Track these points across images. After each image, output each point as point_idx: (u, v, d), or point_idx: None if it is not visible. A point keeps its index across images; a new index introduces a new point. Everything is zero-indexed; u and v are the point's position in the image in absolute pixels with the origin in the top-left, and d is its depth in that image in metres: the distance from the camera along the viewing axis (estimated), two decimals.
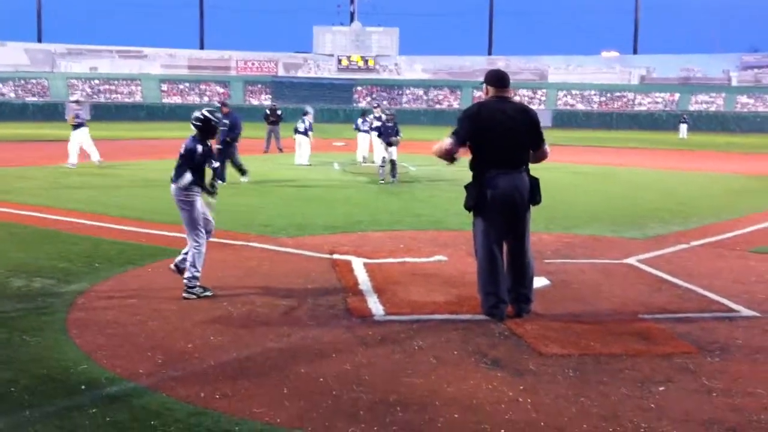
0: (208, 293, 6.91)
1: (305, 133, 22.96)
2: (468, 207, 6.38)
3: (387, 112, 19.21)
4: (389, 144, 17.60)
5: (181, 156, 7.08)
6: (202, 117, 7.16)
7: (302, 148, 23.17)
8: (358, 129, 24.22)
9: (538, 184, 6.32)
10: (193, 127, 7.19)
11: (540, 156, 6.46)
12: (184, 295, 6.86)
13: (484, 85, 6.34)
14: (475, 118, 6.24)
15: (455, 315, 6.35)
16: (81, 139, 20.50)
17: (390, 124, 17.92)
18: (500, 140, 6.13)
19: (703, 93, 77.08)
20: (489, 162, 6.17)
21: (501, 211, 6.18)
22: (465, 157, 6.35)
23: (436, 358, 5.27)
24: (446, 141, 6.25)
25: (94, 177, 17.83)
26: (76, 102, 22.89)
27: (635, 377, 4.91)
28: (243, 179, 17.03)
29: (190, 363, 5.10)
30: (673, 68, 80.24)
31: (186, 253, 7.14)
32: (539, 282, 7.47)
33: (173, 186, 7.06)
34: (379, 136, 18.67)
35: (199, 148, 7.05)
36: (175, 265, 7.19)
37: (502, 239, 6.28)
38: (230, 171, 16.96)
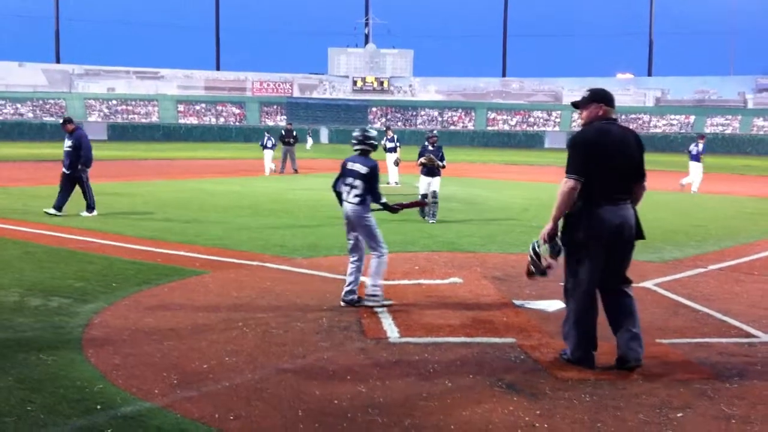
0: (387, 302, 7.23)
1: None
2: (571, 241, 5.52)
3: (431, 134, 15.61)
4: (431, 173, 14.79)
5: (364, 176, 7.34)
6: (361, 136, 7.59)
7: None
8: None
9: (638, 217, 5.68)
10: (358, 147, 7.54)
11: (639, 193, 5.74)
12: (367, 303, 7.17)
13: (593, 104, 5.61)
14: (593, 144, 5.49)
15: (470, 338, 6.32)
16: None
17: (432, 149, 14.90)
18: (615, 168, 5.46)
19: (718, 115, 76.92)
20: (599, 192, 5.43)
21: (608, 248, 5.49)
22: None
23: (450, 381, 5.25)
24: (567, 184, 5.42)
25: (110, 197, 17.94)
26: None
27: (653, 402, 4.87)
28: (84, 213, 14.28)
29: (204, 383, 5.09)
30: (688, 90, 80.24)
31: (350, 285, 7.30)
32: (555, 305, 7.45)
33: (355, 207, 7.32)
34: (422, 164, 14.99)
35: (377, 165, 7.48)
36: (345, 302, 7.27)
37: (606, 278, 5.60)
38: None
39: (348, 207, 7.38)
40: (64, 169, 14.52)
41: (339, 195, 7.59)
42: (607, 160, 5.43)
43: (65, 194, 14.35)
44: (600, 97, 5.63)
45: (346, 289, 7.36)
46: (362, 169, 7.36)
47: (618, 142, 5.52)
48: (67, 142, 14.57)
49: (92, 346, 5.90)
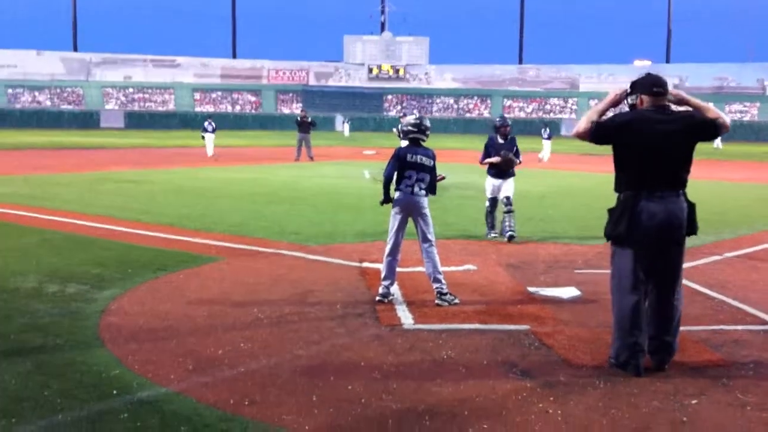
0: (457, 301, 7.01)
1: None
2: (611, 236, 5.26)
3: (502, 121, 11.35)
4: (502, 175, 11.11)
5: (429, 168, 7.23)
6: (423, 125, 7.38)
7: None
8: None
9: (695, 210, 5.28)
10: (414, 136, 7.32)
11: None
12: (437, 302, 6.96)
13: (637, 96, 5.28)
14: (624, 129, 5.18)
15: (485, 325, 6.32)
16: None
17: (503, 142, 11.11)
18: (655, 157, 5.08)
19: (737, 102, 76.19)
20: (640, 183, 5.11)
21: (651, 244, 5.14)
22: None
23: (465, 367, 5.25)
24: (583, 122, 5.28)
25: (128, 184, 18.05)
26: None
27: (667, 390, 4.85)
28: None
29: (220, 369, 5.13)
30: (706, 77, 79.41)
31: (386, 279, 7.11)
32: (570, 292, 7.44)
33: (422, 198, 7.21)
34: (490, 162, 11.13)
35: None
36: (382, 296, 7.06)
37: (648, 277, 5.22)
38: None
39: (414, 199, 7.18)
40: None
41: (388, 185, 7.27)
42: (642, 149, 5.10)
43: None
44: (640, 86, 5.31)
45: (387, 285, 7.12)
46: (429, 163, 7.24)
47: (659, 130, 5.09)
48: None
49: (109, 331, 5.95)
